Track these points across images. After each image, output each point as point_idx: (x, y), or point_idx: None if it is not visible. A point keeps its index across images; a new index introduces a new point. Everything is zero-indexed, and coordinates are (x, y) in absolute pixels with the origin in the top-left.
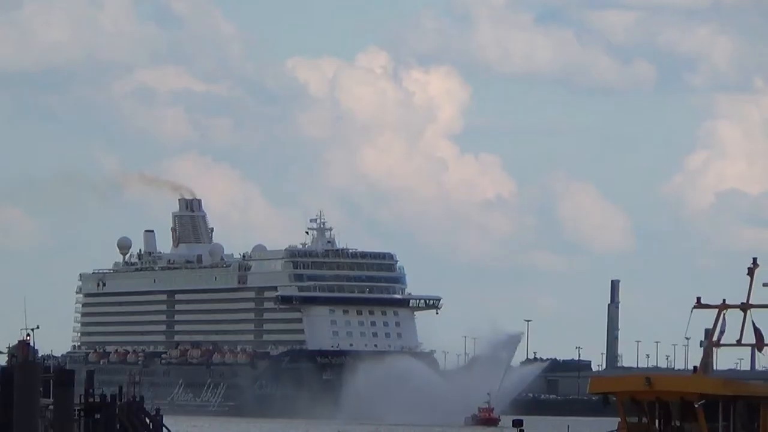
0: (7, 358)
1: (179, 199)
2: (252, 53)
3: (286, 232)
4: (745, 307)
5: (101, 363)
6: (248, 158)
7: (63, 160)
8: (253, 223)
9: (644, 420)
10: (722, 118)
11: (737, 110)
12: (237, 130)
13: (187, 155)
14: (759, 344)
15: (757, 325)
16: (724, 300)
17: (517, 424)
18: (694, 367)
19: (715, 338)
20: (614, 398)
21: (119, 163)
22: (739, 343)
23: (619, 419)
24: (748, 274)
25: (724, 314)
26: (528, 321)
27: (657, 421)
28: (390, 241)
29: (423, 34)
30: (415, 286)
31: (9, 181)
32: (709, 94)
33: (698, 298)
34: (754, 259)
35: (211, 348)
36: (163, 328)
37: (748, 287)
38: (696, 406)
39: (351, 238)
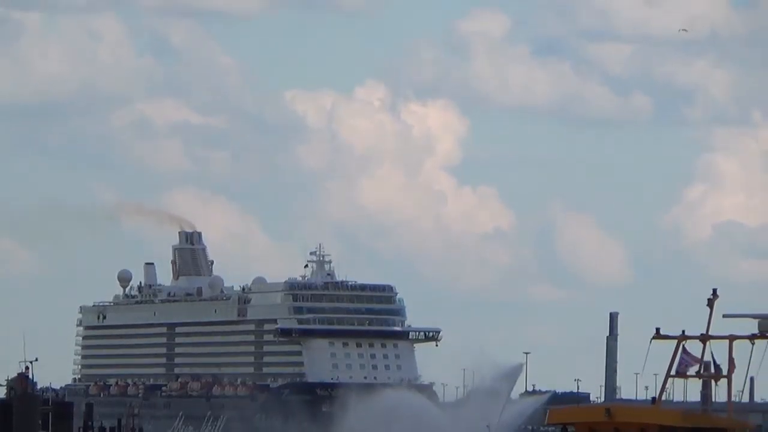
0: (6, 391)
1: (179, 232)
2: (250, 85)
3: (285, 265)
4: (704, 338)
5: (101, 395)
6: (246, 190)
7: (59, 191)
8: (253, 256)
9: None
10: (720, 150)
11: (735, 143)
12: (235, 162)
13: (185, 188)
14: (716, 376)
15: (715, 357)
16: (683, 331)
17: None
18: (653, 398)
19: (675, 370)
20: (572, 429)
21: (117, 195)
22: (698, 374)
23: None
24: (707, 305)
25: (683, 345)
26: (527, 353)
27: None
28: (388, 273)
29: (420, 66)
30: (413, 318)
31: (5, 213)
32: (706, 126)
33: (657, 329)
34: (714, 290)
35: (211, 380)
36: (163, 360)
37: (707, 318)
38: None
39: (350, 270)
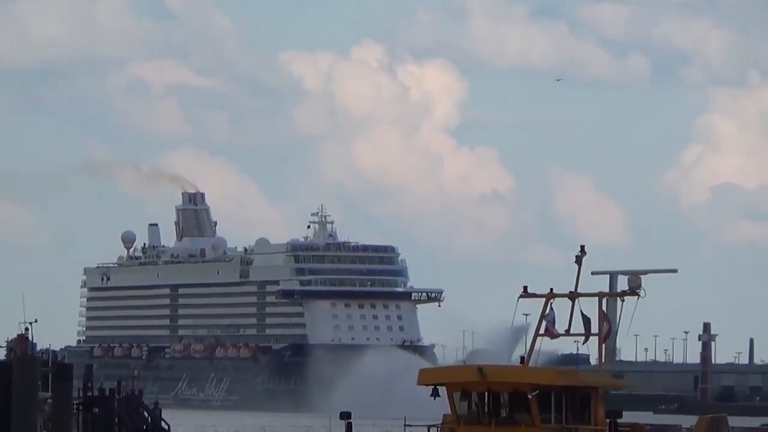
0: (5, 352)
1: (182, 193)
2: (247, 47)
3: (288, 226)
4: (573, 296)
5: (105, 357)
6: (244, 152)
7: (58, 153)
8: (255, 217)
9: (474, 410)
10: (717, 112)
11: (732, 104)
12: (232, 124)
13: (183, 149)
14: (586, 334)
15: (585, 313)
16: (551, 289)
17: None
18: (521, 357)
19: (544, 328)
20: (444, 389)
21: (115, 156)
22: (567, 332)
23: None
24: (575, 262)
25: (551, 303)
26: (526, 315)
27: (487, 411)
28: (386, 234)
29: (418, 28)
30: (413, 280)
31: (4, 174)
32: (704, 88)
33: (525, 287)
34: (582, 247)
35: (214, 342)
36: (167, 322)
37: (576, 276)
38: (529, 396)
39: (351, 232)
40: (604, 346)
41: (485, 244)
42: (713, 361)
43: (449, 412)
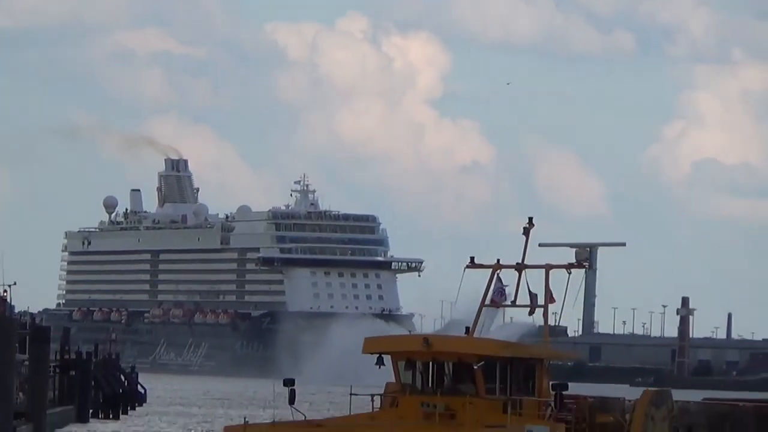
0: None
1: (165, 159)
2: (232, 16)
3: (270, 194)
4: (520, 267)
5: (85, 321)
6: (227, 120)
7: (40, 118)
8: (237, 184)
9: (419, 380)
10: (700, 88)
11: (715, 81)
12: (216, 92)
13: (166, 116)
14: (532, 306)
15: (530, 286)
16: (498, 260)
17: None
18: (467, 328)
19: (489, 299)
20: (389, 358)
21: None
22: (513, 304)
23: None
24: (523, 233)
25: (498, 274)
26: (505, 286)
27: (432, 380)
28: (368, 204)
29: (403, 0)
30: (393, 250)
31: None
32: (688, 64)
33: (472, 258)
34: (530, 219)
35: (193, 308)
36: (146, 287)
37: (523, 247)
38: (475, 367)
39: (333, 201)
40: (550, 317)
41: (465, 215)
42: (691, 336)
43: (393, 380)
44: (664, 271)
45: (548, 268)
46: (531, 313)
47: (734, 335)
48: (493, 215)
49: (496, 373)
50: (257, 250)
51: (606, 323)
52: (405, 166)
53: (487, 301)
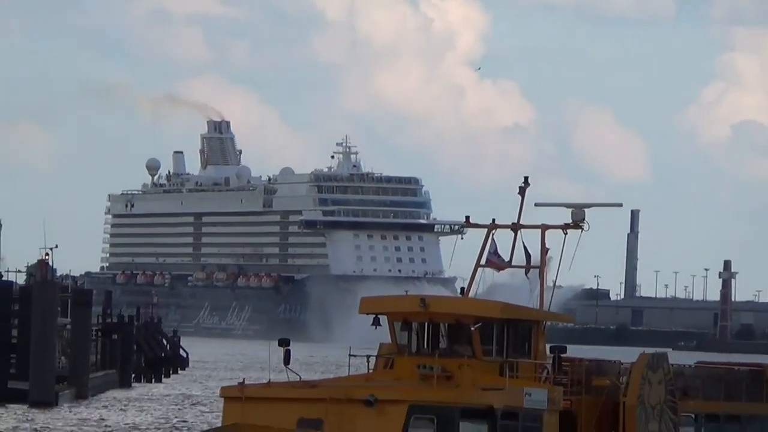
0: (25, 277)
1: (207, 121)
2: None
3: (313, 155)
4: (515, 227)
5: (128, 284)
6: (266, 81)
7: (80, 78)
8: (279, 146)
9: (415, 341)
10: (740, 50)
11: (755, 43)
12: (254, 52)
13: (204, 77)
14: (527, 266)
15: (527, 246)
16: (493, 219)
17: None
18: (461, 289)
19: (485, 259)
20: (385, 318)
21: (138, 82)
22: (509, 264)
23: (389, 340)
24: (519, 193)
25: (493, 234)
26: (547, 249)
27: (428, 342)
28: (408, 166)
29: None
30: (435, 212)
31: (26, 96)
32: (726, 26)
33: (467, 217)
34: (525, 178)
35: (236, 271)
36: (190, 250)
37: (519, 207)
38: (472, 329)
39: (372, 163)
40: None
41: (506, 176)
42: (733, 299)
43: (388, 341)
44: (706, 234)
45: (544, 228)
46: (527, 272)
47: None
48: (534, 177)
49: (492, 334)
50: (300, 212)
51: (648, 287)
52: (445, 128)
53: (483, 261)
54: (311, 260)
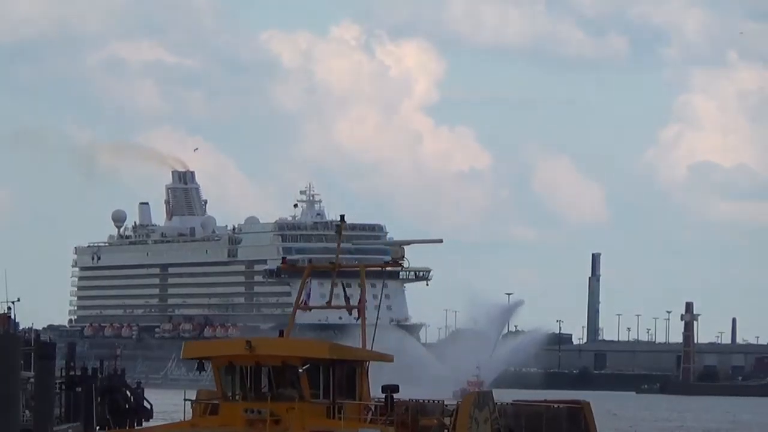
0: None
1: (172, 172)
2: (225, 26)
3: (277, 204)
4: (333, 267)
5: (96, 337)
6: (223, 131)
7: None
8: (242, 195)
9: (239, 385)
10: (696, 91)
11: (711, 84)
12: (211, 102)
13: (161, 127)
14: (348, 306)
15: (346, 287)
16: (310, 260)
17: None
18: (280, 332)
19: (302, 300)
20: (209, 364)
21: (94, 134)
22: (329, 305)
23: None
24: (336, 232)
25: (310, 278)
26: (509, 294)
27: (254, 385)
28: (368, 213)
29: (395, 6)
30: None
31: None
32: (682, 67)
33: (283, 258)
34: (342, 216)
35: (203, 322)
36: (156, 301)
37: (337, 247)
38: (300, 370)
39: (332, 210)
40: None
41: (464, 222)
42: (696, 341)
43: (210, 387)
44: (668, 276)
45: (364, 267)
46: (349, 312)
47: (739, 340)
48: (492, 222)
49: (319, 376)
50: (264, 261)
51: (611, 330)
52: (401, 174)
53: (301, 303)
54: (276, 309)
